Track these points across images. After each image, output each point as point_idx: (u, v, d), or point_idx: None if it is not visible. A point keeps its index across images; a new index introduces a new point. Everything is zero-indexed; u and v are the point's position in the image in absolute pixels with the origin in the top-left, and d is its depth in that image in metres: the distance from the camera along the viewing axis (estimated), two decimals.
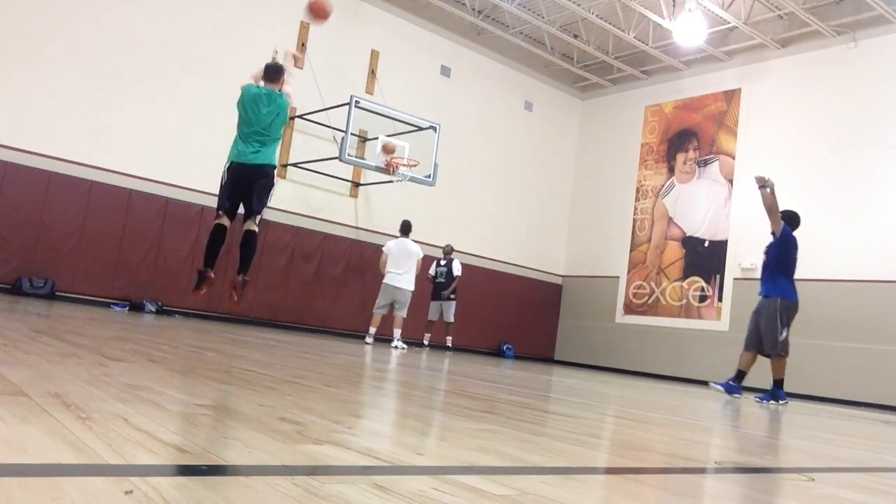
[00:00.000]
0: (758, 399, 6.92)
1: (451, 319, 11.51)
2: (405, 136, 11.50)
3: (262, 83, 6.35)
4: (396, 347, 9.80)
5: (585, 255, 15.65)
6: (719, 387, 7.19)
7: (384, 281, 10.22)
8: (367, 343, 9.88)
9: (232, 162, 6.19)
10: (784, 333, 6.71)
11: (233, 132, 6.53)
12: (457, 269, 11.50)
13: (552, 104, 15.86)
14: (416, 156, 11.16)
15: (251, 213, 6.22)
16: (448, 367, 6.44)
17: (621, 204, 15.15)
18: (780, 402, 6.74)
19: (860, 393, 10.69)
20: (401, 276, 10.17)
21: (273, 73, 6.37)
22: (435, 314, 11.54)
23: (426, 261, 11.07)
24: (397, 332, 10.10)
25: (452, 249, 11.82)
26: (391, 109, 11.44)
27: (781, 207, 6.90)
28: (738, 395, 6.98)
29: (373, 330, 10.18)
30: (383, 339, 11.24)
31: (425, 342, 11.65)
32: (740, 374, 7.00)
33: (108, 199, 10.32)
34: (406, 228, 10.46)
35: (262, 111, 6.17)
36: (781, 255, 6.82)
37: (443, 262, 11.54)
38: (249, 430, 1.44)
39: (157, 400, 1.71)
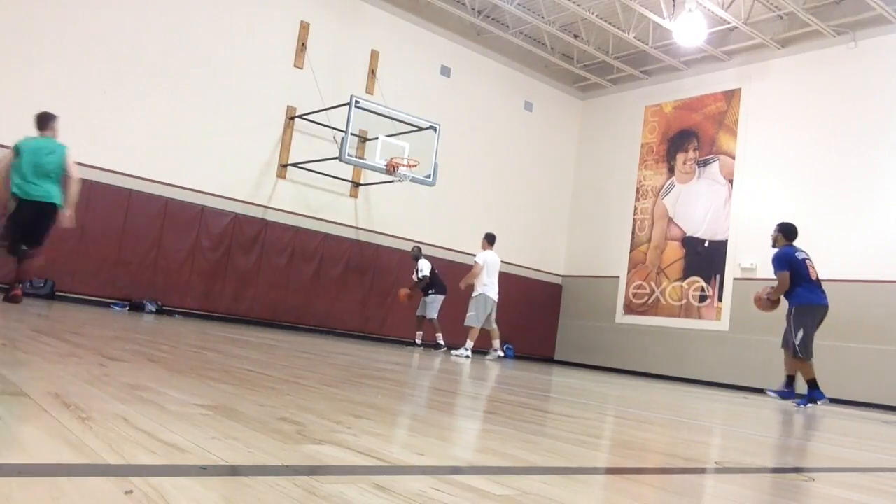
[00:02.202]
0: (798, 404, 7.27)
1: (433, 316, 11.39)
2: (405, 136, 11.50)
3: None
4: (500, 356, 10.36)
5: (585, 255, 15.64)
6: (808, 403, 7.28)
7: (485, 293, 10.29)
8: (468, 357, 9.88)
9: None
10: (799, 335, 7.22)
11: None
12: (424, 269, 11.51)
13: (552, 104, 15.85)
14: (416, 156, 11.16)
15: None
16: (448, 367, 6.44)
17: (621, 204, 15.14)
18: (819, 402, 7.19)
19: (860, 393, 10.68)
20: (496, 288, 10.40)
21: (45, 119, 7.10)
22: (422, 309, 11.55)
23: (439, 264, 11.18)
24: (496, 343, 10.45)
25: (421, 252, 11.82)
26: (391, 109, 11.43)
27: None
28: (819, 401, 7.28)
29: (470, 344, 10.17)
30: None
31: (417, 341, 11.58)
32: (812, 382, 7.37)
33: (108, 199, 10.31)
34: (493, 240, 10.67)
35: (44, 159, 6.86)
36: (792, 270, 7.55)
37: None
38: (249, 430, 1.44)
39: (157, 400, 1.71)
